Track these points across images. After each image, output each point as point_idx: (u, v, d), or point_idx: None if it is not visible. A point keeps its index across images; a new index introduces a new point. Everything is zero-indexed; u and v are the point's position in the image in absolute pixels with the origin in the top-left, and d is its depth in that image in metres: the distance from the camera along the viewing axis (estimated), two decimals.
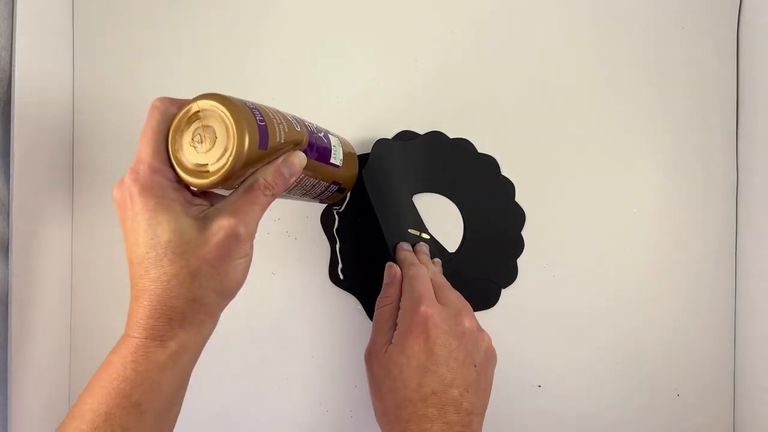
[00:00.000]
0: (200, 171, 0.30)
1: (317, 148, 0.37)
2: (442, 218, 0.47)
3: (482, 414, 0.37)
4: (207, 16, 0.48)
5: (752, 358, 0.45)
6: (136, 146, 0.47)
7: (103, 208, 0.48)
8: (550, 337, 0.47)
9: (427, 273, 0.41)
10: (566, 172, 0.47)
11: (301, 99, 0.48)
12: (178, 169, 0.31)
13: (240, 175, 0.31)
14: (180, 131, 0.31)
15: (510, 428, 0.47)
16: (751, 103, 0.46)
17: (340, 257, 0.47)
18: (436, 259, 0.46)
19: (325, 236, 0.47)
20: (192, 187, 0.31)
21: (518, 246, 0.47)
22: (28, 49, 0.42)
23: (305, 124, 0.36)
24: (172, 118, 0.32)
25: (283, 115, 0.34)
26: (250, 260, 0.33)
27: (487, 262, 0.47)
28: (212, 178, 0.30)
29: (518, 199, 0.47)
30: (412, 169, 0.47)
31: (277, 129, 0.32)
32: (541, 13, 0.48)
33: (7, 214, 0.41)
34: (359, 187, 0.44)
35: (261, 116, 0.31)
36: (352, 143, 0.43)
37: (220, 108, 0.31)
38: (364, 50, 0.48)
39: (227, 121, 0.30)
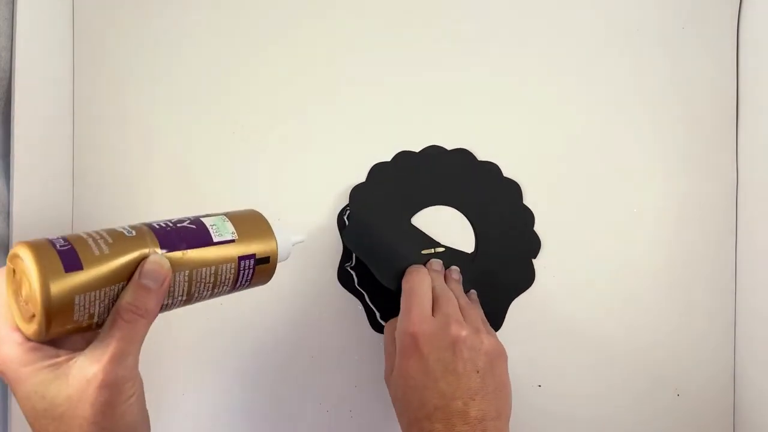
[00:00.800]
0: (29, 323, 0.28)
1: (181, 237, 0.32)
2: (450, 228, 0.47)
3: (499, 417, 0.37)
4: (207, 16, 0.48)
5: (752, 358, 0.45)
6: (136, 144, 0.47)
7: (103, 209, 0.48)
8: (550, 337, 0.47)
9: (423, 284, 0.41)
10: (566, 171, 0.47)
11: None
12: (21, 328, 0.29)
13: (75, 309, 0.28)
14: (12, 290, 0.29)
15: (510, 428, 0.47)
16: (751, 103, 0.46)
17: (375, 307, 0.47)
18: (453, 267, 0.46)
19: (324, 237, 0.47)
20: (39, 341, 0.29)
21: (533, 244, 0.47)
22: (29, 49, 0.42)
23: (148, 224, 0.32)
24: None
25: (112, 230, 0.31)
26: (140, 394, 0.30)
27: (504, 261, 0.47)
28: (37, 323, 0.27)
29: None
30: (412, 187, 0.47)
31: (93, 245, 0.29)
32: (540, 14, 0.48)
33: (7, 214, 0.41)
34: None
35: (64, 241, 0.29)
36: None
37: (19, 252, 0.28)
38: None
39: (24, 260, 0.28)
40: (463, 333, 0.37)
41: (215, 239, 0.33)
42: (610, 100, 0.47)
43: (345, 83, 0.48)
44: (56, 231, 0.47)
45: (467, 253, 0.47)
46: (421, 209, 0.47)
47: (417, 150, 0.47)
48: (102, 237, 0.30)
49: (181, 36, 0.48)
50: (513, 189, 0.47)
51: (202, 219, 0.34)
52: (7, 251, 0.41)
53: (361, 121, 0.48)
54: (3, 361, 0.28)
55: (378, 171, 0.47)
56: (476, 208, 0.47)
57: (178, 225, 0.33)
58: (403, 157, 0.47)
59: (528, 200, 0.47)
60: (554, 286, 0.47)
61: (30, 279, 0.27)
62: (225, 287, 0.34)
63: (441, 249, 0.46)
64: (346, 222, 0.47)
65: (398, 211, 0.46)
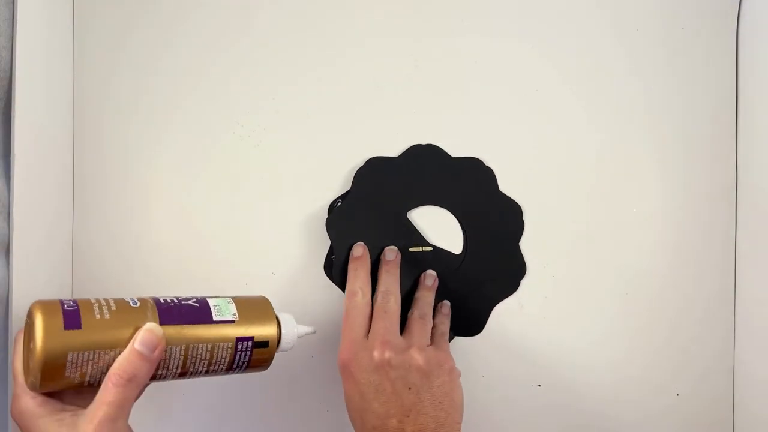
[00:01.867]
0: (29, 373, 0.31)
1: (182, 313, 0.34)
2: (440, 229, 0.47)
3: (440, 428, 0.37)
4: (207, 15, 0.48)
5: (752, 358, 0.45)
6: (135, 144, 0.47)
7: (104, 209, 0.48)
8: (550, 336, 0.47)
9: (356, 307, 0.41)
10: (566, 171, 0.47)
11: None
12: (24, 379, 0.32)
13: (67, 366, 0.30)
14: (26, 345, 0.32)
15: (509, 428, 0.47)
16: (751, 103, 0.46)
17: None
18: (429, 272, 0.46)
19: (326, 236, 0.47)
20: (36, 392, 0.31)
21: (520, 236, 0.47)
22: (29, 49, 0.42)
23: (155, 299, 0.35)
24: None
25: (120, 299, 0.33)
26: None
27: (494, 261, 0.47)
28: (32, 375, 0.30)
29: (515, 198, 0.47)
30: (405, 185, 0.47)
31: (96, 309, 0.32)
32: (540, 14, 0.48)
33: (8, 214, 0.41)
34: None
35: (73, 302, 0.32)
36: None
37: (32, 308, 0.31)
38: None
39: (34, 316, 0.31)
40: (386, 355, 0.38)
41: (215, 318, 0.35)
42: (610, 101, 0.47)
43: (345, 83, 0.48)
44: (56, 230, 0.47)
45: (455, 255, 0.47)
46: (418, 206, 0.47)
47: (427, 145, 0.47)
48: (107, 304, 0.32)
49: (182, 35, 0.48)
50: (511, 205, 0.47)
51: (208, 299, 0.36)
52: (8, 251, 0.41)
53: (362, 116, 0.48)
54: (20, 412, 0.31)
55: (383, 163, 0.47)
56: (466, 211, 0.47)
57: (182, 302, 0.35)
58: (412, 151, 0.47)
59: (526, 200, 0.47)
60: (554, 286, 0.47)
61: (34, 332, 0.30)
62: (221, 366, 0.36)
63: (429, 248, 0.46)
64: (335, 207, 0.47)
65: (395, 204, 0.46)
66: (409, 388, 0.38)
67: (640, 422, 0.47)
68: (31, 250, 0.43)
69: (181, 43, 0.48)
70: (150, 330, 0.32)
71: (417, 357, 0.39)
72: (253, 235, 0.47)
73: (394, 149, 0.47)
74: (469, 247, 0.47)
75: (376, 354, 0.38)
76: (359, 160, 0.47)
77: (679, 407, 0.47)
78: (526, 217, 0.47)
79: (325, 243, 0.47)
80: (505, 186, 0.47)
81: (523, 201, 0.47)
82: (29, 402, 0.31)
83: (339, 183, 0.47)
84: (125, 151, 0.48)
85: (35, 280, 0.44)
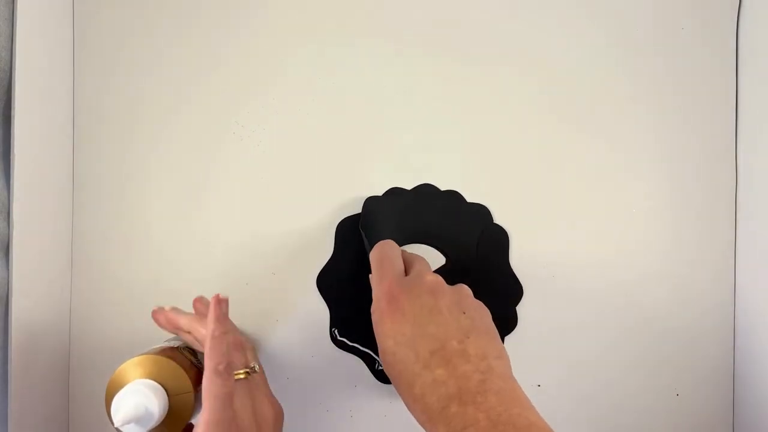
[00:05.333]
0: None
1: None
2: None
3: (502, 357, 0.34)
4: (208, 15, 0.48)
5: (752, 359, 0.45)
6: (135, 144, 0.47)
7: (103, 209, 0.48)
8: (549, 337, 0.47)
9: (393, 250, 0.39)
10: (565, 170, 0.47)
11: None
12: None
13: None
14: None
15: None
16: (750, 103, 0.46)
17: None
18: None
19: (326, 236, 0.47)
20: None
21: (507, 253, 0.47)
22: (29, 49, 0.42)
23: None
24: None
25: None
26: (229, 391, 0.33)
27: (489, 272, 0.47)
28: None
29: (516, 199, 0.47)
30: (402, 222, 0.46)
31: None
32: (539, 13, 0.48)
33: (8, 214, 0.41)
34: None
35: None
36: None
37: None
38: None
39: None
40: (439, 279, 0.36)
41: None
42: (609, 100, 0.47)
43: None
44: (56, 230, 0.47)
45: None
46: (407, 244, 0.47)
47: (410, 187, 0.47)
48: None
49: (182, 35, 0.48)
50: (500, 233, 0.47)
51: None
52: (8, 251, 0.41)
53: (362, 116, 0.48)
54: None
55: (381, 200, 0.47)
56: (454, 245, 0.47)
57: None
58: (421, 190, 0.47)
59: (525, 200, 0.47)
60: (554, 287, 0.47)
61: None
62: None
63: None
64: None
65: (397, 235, 0.46)
66: (464, 312, 0.35)
67: (640, 422, 0.47)
68: (31, 250, 0.43)
69: (181, 43, 0.48)
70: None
71: (467, 289, 0.37)
72: (253, 235, 0.47)
73: (394, 148, 0.47)
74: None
75: (429, 278, 0.36)
76: (359, 160, 0.47)
77: (679, 407, 0.47)
78: (521, 215, 0.47)
79: (326, 243, 0.47)
80: (502, 185, 0.47)
81: (521, 200, 0.47)
82: None
83: (339, 183, 0.47)
84: (125, 151, 0.48)
85: (35, 280, 0.44)
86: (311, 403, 0.47)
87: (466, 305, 0.36)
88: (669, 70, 0.47)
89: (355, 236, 0.46)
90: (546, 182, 0.47)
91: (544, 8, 0.48)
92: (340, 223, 0.47)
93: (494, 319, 0.39)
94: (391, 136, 0.48)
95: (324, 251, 0.47)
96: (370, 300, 0.37)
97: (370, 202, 0.46)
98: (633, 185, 0.47)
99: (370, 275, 0.40)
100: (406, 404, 0.34)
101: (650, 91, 0.47)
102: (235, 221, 0.47)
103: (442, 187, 0.47)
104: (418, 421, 0.33)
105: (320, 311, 0.47)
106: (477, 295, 0.38)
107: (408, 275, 0.38)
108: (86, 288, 0.48)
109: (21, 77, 0.41)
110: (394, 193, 0.47)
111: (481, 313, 0.36)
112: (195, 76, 0.48)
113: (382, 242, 0.41)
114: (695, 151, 0.47)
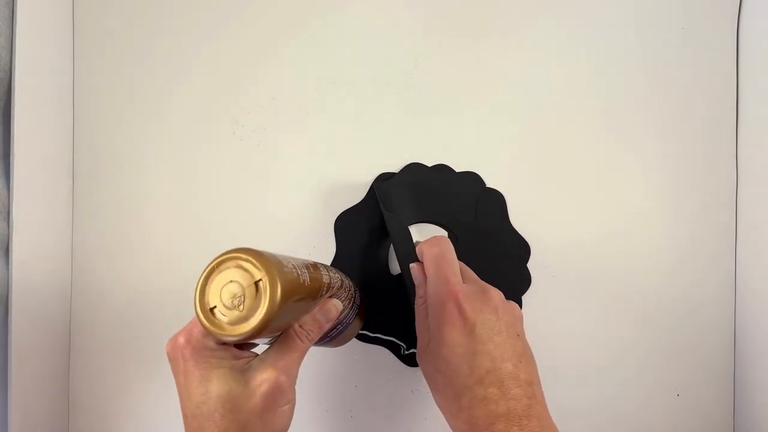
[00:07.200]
0: (235, 325, 0.29)
1: (343, 290, 0.37)
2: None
3: (540, 385, 0.36)
4: (207, 15, 0.48)
5: (752, 358, 0.45)
6: (135, 144, 0.48)
7: (103, 209, 0.48)
8: (549, 336, 0.47)
9: (451, 250, 0.39)
10: (566, 170, 0.47)
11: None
12: (212, 328, 0.30)
13: (275, 326, 0.30)
14: (212, 289, 0.30)
15: None
16: (751, 103, 0.46)
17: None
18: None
19: (327, 235, 0.47)
20: (230, 342, 0.31)
21: (526, 251, 0.47)
22: (29, 49, 0.42)
23: (322, 267, 0.36)
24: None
25: (303, 264, 0.33)
26: (294, 405, 0.33)
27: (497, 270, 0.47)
28: (245, 333, 0.29)
29: (515, 198, 0.47)
30: (414, 200, 0.46)
31: (300, 276, 0.31)
32: (539, 14, 0.48)
33: (7, 214, 0.41)
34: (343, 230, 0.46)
35: (292, 266, 0.31)
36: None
37: (248, 262, 0.30)
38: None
39: (258, 275, 0.29)
40: (502, 298, 0.37)
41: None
42: (610, 100, 0.47)
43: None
44: (56, 230, 0.47)
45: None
46: (422, 221, 0.47)
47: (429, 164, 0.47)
48: (304, 271, 0.33)
49: (182, 35, 0.48)
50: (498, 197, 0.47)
51: (345, 278, 0.39)
52: (8, 251, 0.41)
53: (362, 116, 0.48)
54: (202, 348, 0.31)
55: (410, 170, 0.47)
56: (464, 225, 0.47)
57: (336, 275, 0.37)
58: (417, 168, 0.47)
59: (523, 199, 0.47)
60: (554, 286, 0.47)
61: (263, 295, 0.29)
62: (324, 340, 0.38)
63: None
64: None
65: (408, 213, 0.46)
66: (518, 335, 0.36)
67: (640, 422, 0.47)
68: (31, 250, 0.43)
69: (182, 43, 0.48)
70: (335, 304, 0.35)
71: (519, 310, 0.38)
72: (253, 234, 0.47)
73: (394, 149, 0.47)
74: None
75: (492, 294, 0.36)
76: (359, 160, 0.47)
77: (679, 407, 0.47)
78: (522, 216, 0.47)
79: (327, 242, 0.47)
80: (501, 185, 0.47)
81: (521, 201, 0.47)
82: (213, 343, 0.32)
83: (340, 182, 0.47)
84: (125, 152, 0.48)
85: (35, 280, 0.44)
86: (311, 403, 0.47)
87: (519, 328, 0.37)
88: (669, 70, 0.47)
89: (357, 228, 0.46)
90: (546, 182, 0.47)
91: (546, 8, 0.48)
92: (337, 218, 0.47)
93: (511, 279, 0.45)
94: (392, 136, 0.48)
95: (325, 250, 0.47)
96: (380, 289, 0.39)
97: (382, 180, 0.46)
98: (632, 185, 0.47)
99: (413, 265, 0.40)
100: (446, 409, 0.36)
101: (650, 91, 0.47)
102: (236, 221, 0.47)
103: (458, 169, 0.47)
104: (454, 427, 0.35)
105: None
106: (488, 258, 0.44)
107: (468, 283, 0.38)
108: (86, 288, 0.48)
109: (21, 77, 0.41)
110: (411, 169, 0.47)
111: (525, 338, 0.37)
112: (195, 76, 0.48)
113: (438, 237, 0.41)
114: (695, 151, 0.47)
